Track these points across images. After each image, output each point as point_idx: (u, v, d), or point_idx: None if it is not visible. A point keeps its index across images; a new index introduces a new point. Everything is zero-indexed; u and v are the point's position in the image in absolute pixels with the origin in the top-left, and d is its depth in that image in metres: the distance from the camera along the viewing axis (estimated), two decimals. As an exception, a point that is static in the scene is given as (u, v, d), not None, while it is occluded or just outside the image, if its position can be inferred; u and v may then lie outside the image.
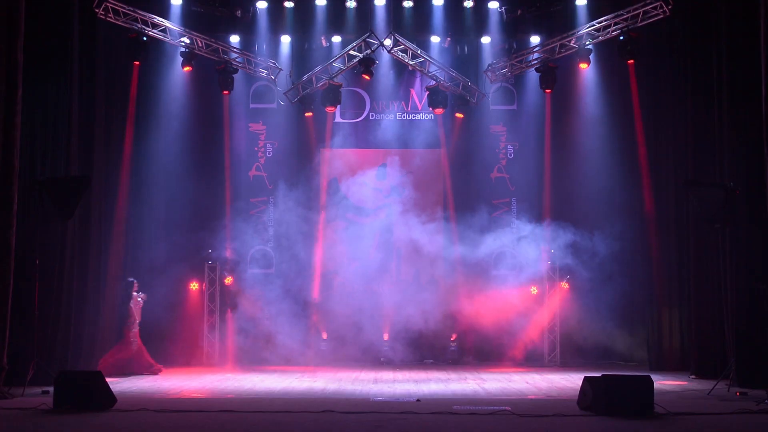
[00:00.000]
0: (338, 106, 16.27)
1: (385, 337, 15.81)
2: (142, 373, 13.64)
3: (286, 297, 15.77)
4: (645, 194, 15.12)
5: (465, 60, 16.78)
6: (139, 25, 14.55)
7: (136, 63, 14.86)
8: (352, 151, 16.75)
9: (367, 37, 15.14)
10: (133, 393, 10.93)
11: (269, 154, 16.89)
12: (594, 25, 14.86)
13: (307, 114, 16.55)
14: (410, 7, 16.23)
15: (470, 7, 16.26)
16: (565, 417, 8.80)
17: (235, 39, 16.40)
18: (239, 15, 16.28)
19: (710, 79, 12.94)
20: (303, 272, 15.84)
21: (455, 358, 15.89)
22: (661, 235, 14.79)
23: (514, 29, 16.51)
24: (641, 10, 14.15)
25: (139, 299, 14.15)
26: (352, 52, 15.52)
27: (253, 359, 15.35)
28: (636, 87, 15.35)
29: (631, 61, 14.83)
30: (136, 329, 13.99)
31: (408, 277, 16.30)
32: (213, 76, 15.84)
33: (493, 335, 15.76)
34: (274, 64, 16.31)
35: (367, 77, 15.58)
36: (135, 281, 14.20)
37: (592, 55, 15.28)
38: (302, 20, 16.44)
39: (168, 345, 15.85)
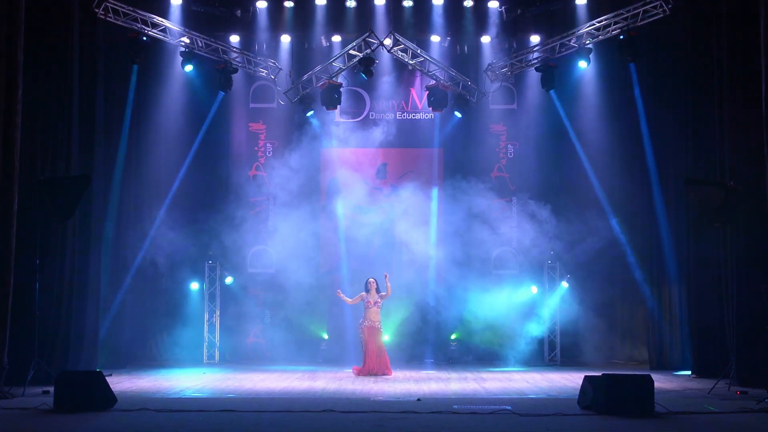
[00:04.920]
0: (338, 106, 16.25)
1: (385, 336, 15.79)
2: (376, 374, 13.36)
3: (286, 297, 15.79)
4: (645, 194, 15.13)
5: (465, 59, 16.78)
6: (139, 25, 14.54)
7: (136, 63, 14.84)
8: (352, 151, 16.73)
9: (367, 36, 15.13)
10: (133, 393, 10.92)
11: (269, 153, 16.88)
12: (594, 25, 14.85)
13: (307, 113, 16.55)
14: (410, 7, 16.25)
15: (470, 7, 16.29)
16: (566, 416, 8.79)
17: (235, 38, 16.41)
18: (239, 14, 16.31)
19: (710, 78, 12.92)
20: (303, 272, 15.81)
21: (455, 357, 15.88)
22: (661, 234, 14.79)
23: (514, 28, 16.53)
24: (641, 10, 14.14)
25: (370, 299, 13.52)
26: (351, 51, 15.51)
27: (253, 359, 15.35)
28: (636, 86, 15.34)
29: (632, 61, 14.82)
30: (362, 326, 13.65)
31: (408, 276, 16.28)
32: (213, 75, 15.83)
33: (493, 334, 15.78)
34: (274, 63, 16.30)
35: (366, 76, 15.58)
36: (372, 280, 13.66)
37: (592, 54, 15.28)
38: (302, 20, 16.46)
39: (168, 345, 15.90)
